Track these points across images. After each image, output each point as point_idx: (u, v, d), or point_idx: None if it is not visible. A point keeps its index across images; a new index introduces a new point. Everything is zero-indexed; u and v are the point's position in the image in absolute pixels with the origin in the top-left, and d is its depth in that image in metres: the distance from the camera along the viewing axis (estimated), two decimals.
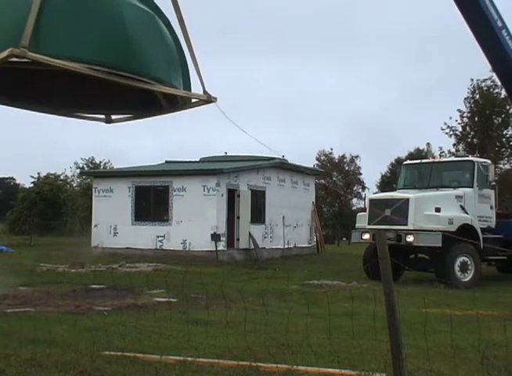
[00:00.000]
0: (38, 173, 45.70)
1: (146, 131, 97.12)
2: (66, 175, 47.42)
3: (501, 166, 34.73)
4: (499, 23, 13.08)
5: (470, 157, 17.85)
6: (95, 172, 33.73)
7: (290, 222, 26.76)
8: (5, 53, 2.97)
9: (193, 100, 3.98)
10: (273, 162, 26.29)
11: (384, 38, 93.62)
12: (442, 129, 35.08)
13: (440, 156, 32.04)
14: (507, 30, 13.30)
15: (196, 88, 3.91)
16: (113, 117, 4.36)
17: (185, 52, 3.84)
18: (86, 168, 46.02)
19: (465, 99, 34.96)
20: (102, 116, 4.35)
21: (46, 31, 3.13)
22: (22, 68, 3.40)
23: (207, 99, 3.87)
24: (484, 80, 33.87)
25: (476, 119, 34.88)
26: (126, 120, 4.36)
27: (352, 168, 51.43)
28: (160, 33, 3.64)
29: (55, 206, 41.60)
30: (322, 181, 48.33)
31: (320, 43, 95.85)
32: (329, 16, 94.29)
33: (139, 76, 3.38)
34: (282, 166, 26.75)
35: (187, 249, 22.03)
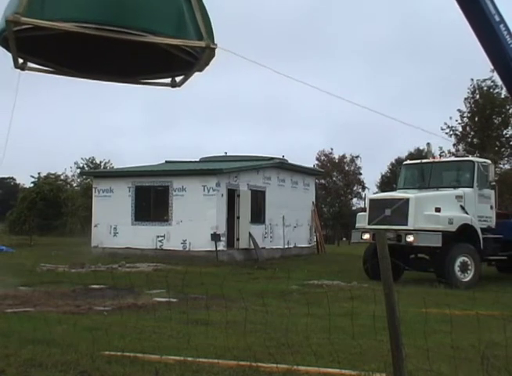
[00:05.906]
0: (38, 173, 45.83)
1: (144, 132, 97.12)
2: (66, 175, 47.50)
3: (501, 166, 34.71)
4: (497, 18, 13.03)
5: (470, 157, 17.81)
6: (95, 172, 33.72)
7: (290, 222, 26.75)
8: (4, 24, 3.29)
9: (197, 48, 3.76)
10: (273, 162, 26.29)
11: (382, 37, 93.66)
12: (442, 129, 35.06)
13: (440, 156, 32.01)
14: (505, 26, 13.24)
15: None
16: (177, 79, 4.31)
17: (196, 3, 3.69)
18: (86, 168, 45.99)
19: (465, 99, 34.97)
20: (168, 80, 4.34)
21: None
22: (78, 38, 3.65)
23: (206, 46, 3.61)
24: (485, 80, 33.89)
25: (476, 119, 34.86)
26: (184, 81, 4.30)
27: (352, 168, 51.37)
28: None
29: (55, 206, 41.60)
30: (323, 181, 48.29)
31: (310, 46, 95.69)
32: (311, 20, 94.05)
33: (127, 29, 3.44)
34: (282, 166, 26.75)
35: (187, 249, 22.03)
